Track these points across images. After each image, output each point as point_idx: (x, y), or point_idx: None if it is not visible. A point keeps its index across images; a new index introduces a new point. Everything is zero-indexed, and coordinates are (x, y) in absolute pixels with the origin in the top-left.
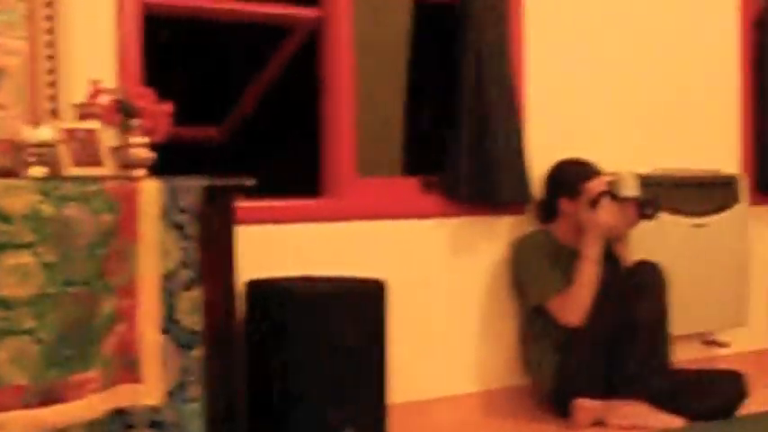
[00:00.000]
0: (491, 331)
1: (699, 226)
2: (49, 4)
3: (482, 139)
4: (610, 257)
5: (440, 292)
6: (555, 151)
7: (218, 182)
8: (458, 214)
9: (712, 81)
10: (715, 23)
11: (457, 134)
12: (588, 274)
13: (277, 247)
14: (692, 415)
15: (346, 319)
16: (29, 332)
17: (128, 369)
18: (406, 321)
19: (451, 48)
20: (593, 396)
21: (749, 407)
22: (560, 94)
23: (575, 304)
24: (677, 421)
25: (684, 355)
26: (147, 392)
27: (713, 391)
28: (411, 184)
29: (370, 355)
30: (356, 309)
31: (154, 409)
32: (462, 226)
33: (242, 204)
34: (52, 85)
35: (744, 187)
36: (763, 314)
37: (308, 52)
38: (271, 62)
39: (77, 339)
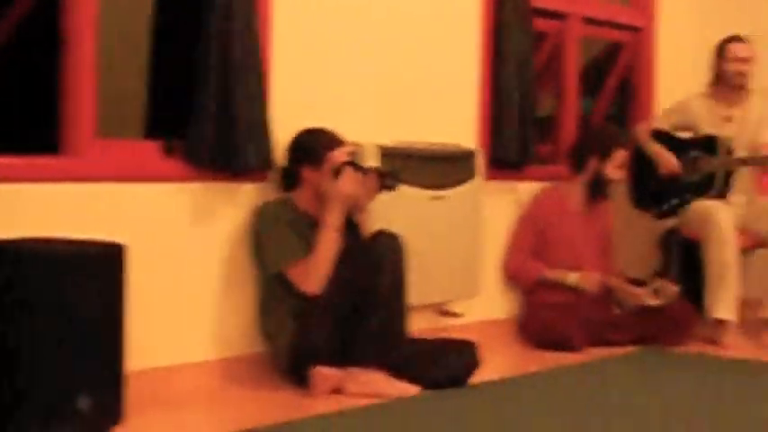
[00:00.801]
0: (231, 298)
1: (437, 198)
2: None
3: (225, 105)
4: (350, 227)
5: (180, 258)
6: (299, 119)
7: None
8: (199, 179)
9: (452, 57)
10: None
11: (200, 98)
12: (328, 243)
13: (13, 207)
14: (427, 383)
15: (82, 284)
16: None
17: None
18: (146, 287)
19: (197, 9)
20: (331, 364)
21: (481, 375)
22: (305, 62)
23: (314, 273)
24: (413, 389)
25: (420, 325)
26: None
27: (447, 361)
28: (153, 147)
29: (107, 322)
30: (93, 273)
31: None
32: (204, 191)
33: None
34: None
35: (480, 162)
36: (494, 285)
37: (51, 6)
38: (5, 17)
39: None
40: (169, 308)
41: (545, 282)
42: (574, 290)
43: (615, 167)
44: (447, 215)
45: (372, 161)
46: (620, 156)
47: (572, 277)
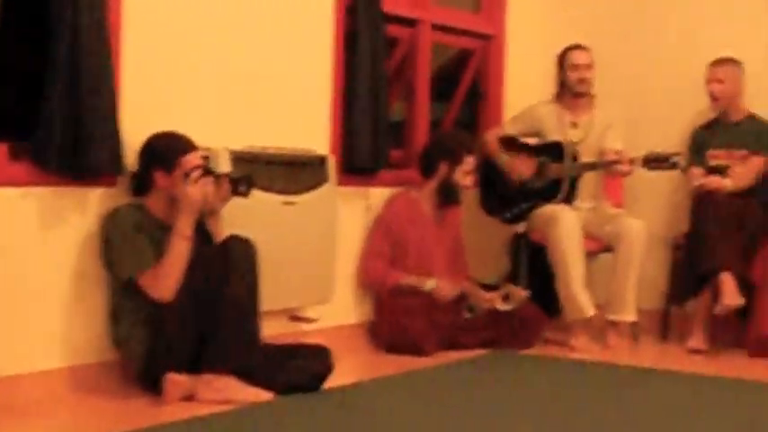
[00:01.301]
0: (80, 305)
1: (288, 204)
2: None
3: (73, 106)
4: (202, 233)
5: (27, 265)
6: (150, 123)
7: None
8: (48, 184)
9: (305, 62)
10: (310, 6)
11: (47, 100)
12: (179, 249)
13: None
14: (281, 388)
15: None
16: None
17: None
18: None
19: (44, 6)
20: (183, 371)
21: (334, 380)
22: (157, 65)
23: (165, 279)
24: (266, 395)
25: (273, 331)
26: None
27: (300, 366)
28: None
29: None
30: None
31: None
32: (52, 196)
33: None
34: None
35: (332, 168)
36: (347, 291)
37: None
38: None
39: None
40: (15, 315)
41: (402, 288)
42: (425, 295)
43: (465, 173)
44: (299, 220)
45: (225, 166)
46: (470, 162)
47: (429, 284)
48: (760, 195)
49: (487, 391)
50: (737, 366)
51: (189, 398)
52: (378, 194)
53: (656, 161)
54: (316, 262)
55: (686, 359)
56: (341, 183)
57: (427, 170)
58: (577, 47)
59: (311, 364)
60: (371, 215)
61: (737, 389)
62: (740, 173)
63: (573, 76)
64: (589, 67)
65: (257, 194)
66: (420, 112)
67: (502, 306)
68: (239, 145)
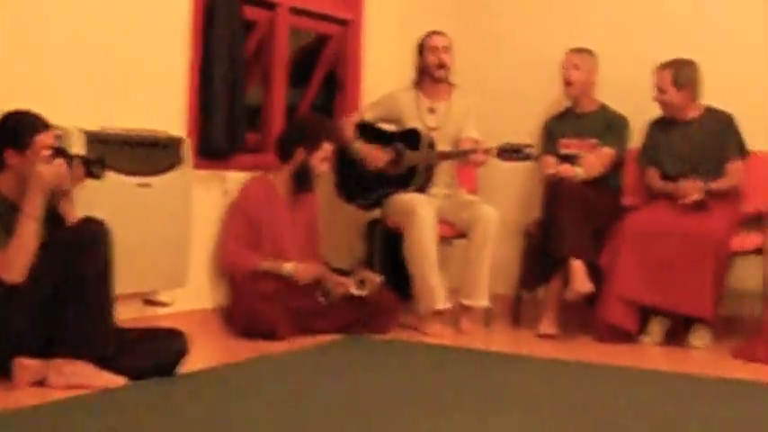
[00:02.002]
0: None
1: (143, 186)
2: None
3: None
4: (54, 214)
5: None
6: (2, 102)
7: None
8: None
9: (161, 43)
10: None
11: None
12: (28, 230)
13: None
14: (134, 373)
15: None
16: None
17: None
18: None
19: None
20: (34, 355)
21: (189, 365)
22: (9, 44)
23: (14, 261)
24: (119, 380)
25: (127, 315)
26: None
27: (155, 350)
28: None
29: None
30: None
31: None
32: None
33: None
34: None
35: (188, 150)
36: (202, 275)
37: None
38: None
39: None
40: None
41: (260, 272)
42: (281, 279)
43: (321, 159)
44: (153, 203)
45: (78, 147)
46: (327, 149)
47: (287, 267)
48: (609, 184)
49: (341, 376)
50: (586, 350)
51: (40, 383)
52: (234, 178)
53: (510, 152)
54: (170, 245)
55: (537, 344)
56: (197, 166)
57: (284, 154)
58: (436, 32)
59: (165, 348)
60: (228, 199)
61: (585, 372)
62: (591, 162)
63: (432, 59)
64: (447, 50)
65: (111, 176)
66: (276, 97)
67: (356, 291)
68: (93, 125)
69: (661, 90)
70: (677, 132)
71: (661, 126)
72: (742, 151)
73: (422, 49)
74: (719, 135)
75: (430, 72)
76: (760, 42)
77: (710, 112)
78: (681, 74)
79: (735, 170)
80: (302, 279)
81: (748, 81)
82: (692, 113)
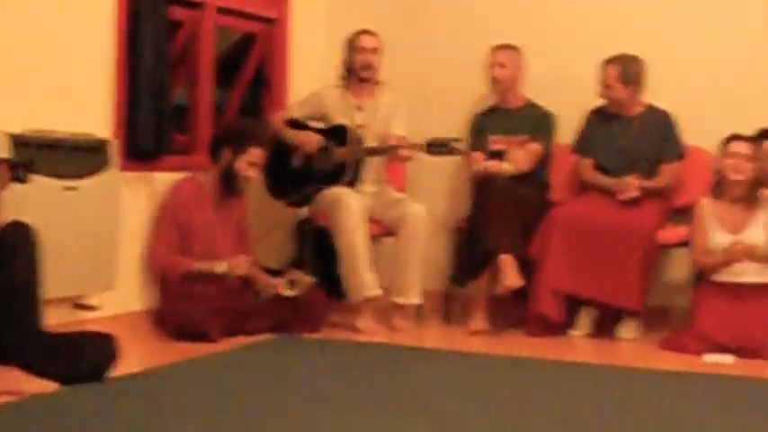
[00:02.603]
0: None
1: (70, 189)
2: None
3: None
4: None
5: None
6: None
7: None
8: None
9: (87, 45)
10: None
11: None
12: None
13: None
14: (64, 379)
15: None
16: None
17: None
18: None
19: None
20: None
21: (119, 369)
22: None
23: None
24: (48, 386)
25: (56, 319)
26: None
27: (84, 355)
28: None
29: None
30: None
31: None
32: None
33: None
34: None
35: (115, 152)
36: (131, 278)
37: None
38: None
39: None
40: None
41: (192, 274)
42: (212, 280)
43: (248, 164)
44: (81, 206)
45: (3, 150)
46: (255, 153)
47: (221, 266)
48: (538, 179)
49: (274, 376)
50: (517, 345)
51: None
52: (162, 179)
53: (437, 146)
54: (98, 248)
55: (469, 339)
56: (124, 168)
57: (214, 155)
58: (365, 31)
59: (95, 352)
60: (156, 200)
61: (516, 367)
62: (519, 157)
63: (359, 59)
64: (376, 51)
65: (37, 179)
66: (204, 97)
67: (287, 292)
68: (18, 128)
69: (607, 86)
70: (617, 127)
71: (601, 117)
72: (679, 153)
73: (350, 47)
74: (658, 134)
75: (357, 72)
76: (692, 37)
77: (651, 110)
78: (627, 70)
79: (670, 171)
80: (238, 273)
81: (679, 76)
82: (635, 109)
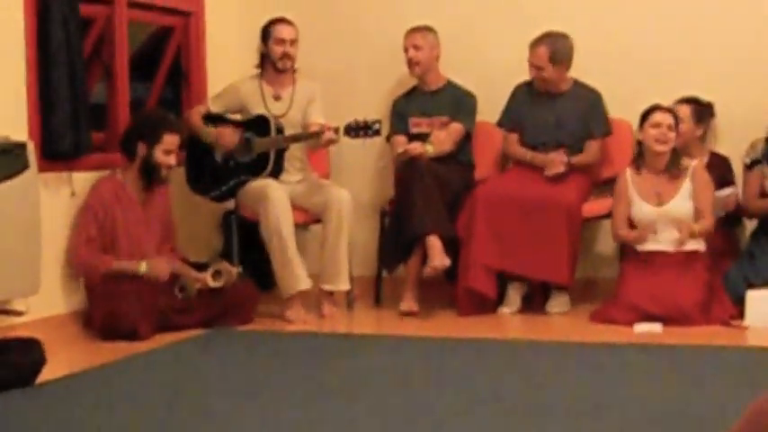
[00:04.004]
0: None
1: None
2: None
3: None
4: None
5: None
6: None
7: None
8: None
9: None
10: None
11: None
12: None
13: None
14: None
15: None
16: None
17: None
18: None
19: None
20: None
21: (48, 373)
22: None
23: None
24: None
25: None
26: None
27: (11, 361)
28: None
29: None
30: None
31: None
32: None
33: None
34: None
35: (32, 154)
36: (56, 280)
37: None
38: None
39: None
40: None
41: (115, 273)
42: (140, 278)
43: (165, 152)
44: (0, 211)
45: None
46: (170, 140)
47: (142, 266)
48: (461, 160)
49: (207, 371)
50: (448, 325)
51: None
52: (82, 179)
53: (357, 129)
54: (20, 252)
55: (400, 322)
56: (42, 169)
57: (128, 152)
58: (282, 20)
59: (23, 358)
60: (77, 201)
61: (448, 347)
62: (441, 139)
63: (278, 50)
64: (294, 42)
65: None
66: (121, 94)
67: (213, 283)
68: None
69: (538, 67)
70: (545, 103)
71: (528, 93)
72: (605, 130)
73: (267, 37)
74: (586, 112)
75: (274, 62)
76: (608, 9)
77: (579, 87)
78: (557, 49)
79: (597, 148)
80: (160, 276)
81: (597, 50)
82: (563, 87)
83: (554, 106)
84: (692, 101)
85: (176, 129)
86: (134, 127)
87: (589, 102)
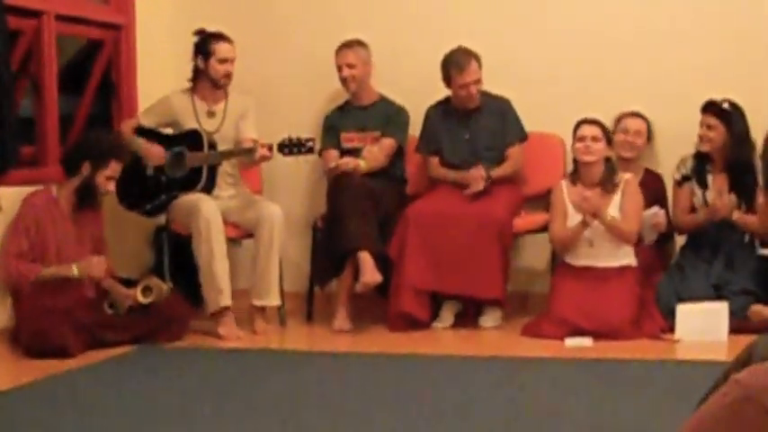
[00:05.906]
0: None
1: None
2: None
3: None
4: None
5: None
6: None
7: None
8: None
9: None
10: None
11: None
12: None
13: None
14: None
15: None
16: None
17: None
18: None
19: None
20: None
21: None
22: None
23: None
24: None
25: None
26: None
27: None
28: None
29: None
30: None
31: None
32: None
33: None
34: None
35: None
36: None
37: None
38: None
39: None
40: None
41: (46, 280)
42: (67, 294)
43: (107, 178)
44: None
45: None
46: (115, 168)
47: (73, 269)
48: (393, 174)
49: (136, 388)
50: (380, 341)
51: None
52: (9, 194)
53: (290, 146)
54: None
55: (332, 339)
56: None
57: (70, 168)
58: (222, 38)
59: None
60: (4, 216)
61: (380, 363)
62: (373, 154)
63: (220, 69)
64: (234, 60)
65: None
66: (49, 107)
67: (143, 299)
68: None
69: (476, 82)
70: (459, 121)
71: (442, 113)
72: (521, 135)
73: (206, 54)
74: (499, 121)
75: (213, 80)
76: (535, 26)
77: (489, 98)
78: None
79: (515, 155)
80: (92, 275)
81: (525, 64)
82: (476, 102)
83: (468, 122)
84: (638, 115)
85: (124, 158)
86: (82, 145)
87: (500, 111)
